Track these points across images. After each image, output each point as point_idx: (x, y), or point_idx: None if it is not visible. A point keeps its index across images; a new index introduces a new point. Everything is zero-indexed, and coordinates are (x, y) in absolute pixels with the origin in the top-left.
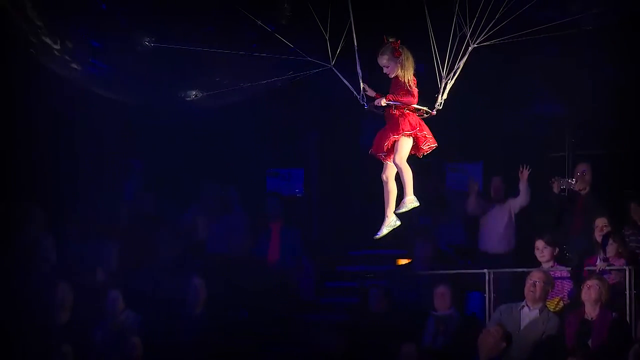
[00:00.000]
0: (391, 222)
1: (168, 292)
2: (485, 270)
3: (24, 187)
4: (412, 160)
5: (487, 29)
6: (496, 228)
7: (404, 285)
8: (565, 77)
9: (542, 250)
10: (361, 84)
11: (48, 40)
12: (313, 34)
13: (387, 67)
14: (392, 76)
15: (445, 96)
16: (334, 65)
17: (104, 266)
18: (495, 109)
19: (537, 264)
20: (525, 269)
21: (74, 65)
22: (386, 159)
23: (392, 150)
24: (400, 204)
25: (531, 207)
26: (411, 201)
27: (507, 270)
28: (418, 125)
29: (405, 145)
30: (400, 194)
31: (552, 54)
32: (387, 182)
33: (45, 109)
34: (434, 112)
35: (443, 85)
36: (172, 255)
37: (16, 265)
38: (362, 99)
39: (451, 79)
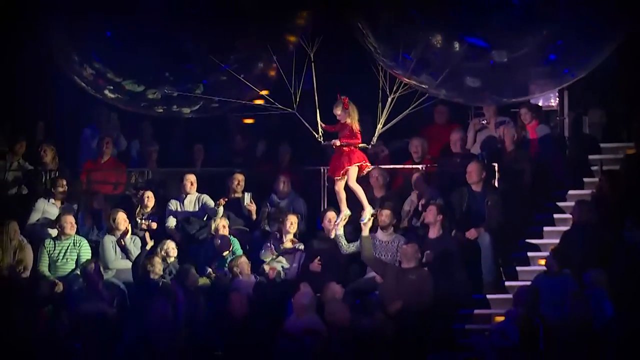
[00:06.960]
0: (344, 215)
1: None
2: None
3: None
4: None
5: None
6: None
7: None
8: None
9: None
10: (319, 127)
11: None
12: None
13: (340, 115)
14: (342, 122)
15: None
16: (296, 111)
17: None
18: None
19: None
20: None
21: None
22: (338, 180)
23: (344, 174)
24: (363, 215)
25: None
26: (369, 211)
27: None
28: (362, 157)
29: (354, 172)
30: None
31: None
32: (338, 192)
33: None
34: (370, 147)
35: (377, 128)
36: None
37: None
38: (319, 138)
39: (381, 124)
